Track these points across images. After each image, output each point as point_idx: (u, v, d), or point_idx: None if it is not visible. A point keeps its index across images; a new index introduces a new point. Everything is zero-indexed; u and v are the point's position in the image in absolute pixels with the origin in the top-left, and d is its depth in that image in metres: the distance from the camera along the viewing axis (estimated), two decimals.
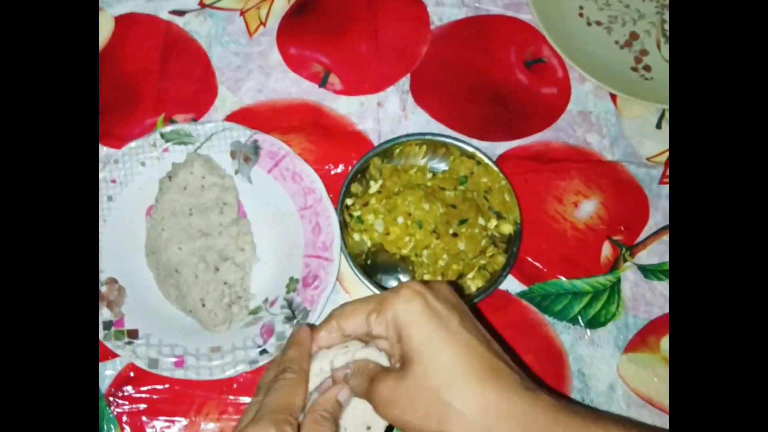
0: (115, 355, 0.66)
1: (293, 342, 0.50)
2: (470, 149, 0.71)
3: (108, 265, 0.67)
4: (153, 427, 0.65)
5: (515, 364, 0.46)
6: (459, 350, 0.44)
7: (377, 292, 0.66)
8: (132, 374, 0.66)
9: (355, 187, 0.71)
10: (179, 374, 0.64)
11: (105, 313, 0.65)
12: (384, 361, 0.48)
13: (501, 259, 0.69)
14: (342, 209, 0.69)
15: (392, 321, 0.46)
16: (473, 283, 0.69)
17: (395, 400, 0.44)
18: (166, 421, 0.66)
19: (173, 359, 0.64)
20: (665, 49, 0.83)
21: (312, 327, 0.51)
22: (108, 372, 0.66)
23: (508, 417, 0.42)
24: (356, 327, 0.48)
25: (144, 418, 0.65)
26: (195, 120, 0.75)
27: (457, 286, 0.66)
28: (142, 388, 0.66)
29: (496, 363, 0.44)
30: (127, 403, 0.65)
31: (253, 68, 0.78)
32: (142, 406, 0.66)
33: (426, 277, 0.68)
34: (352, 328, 0.48)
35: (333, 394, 0.47)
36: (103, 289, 0.66)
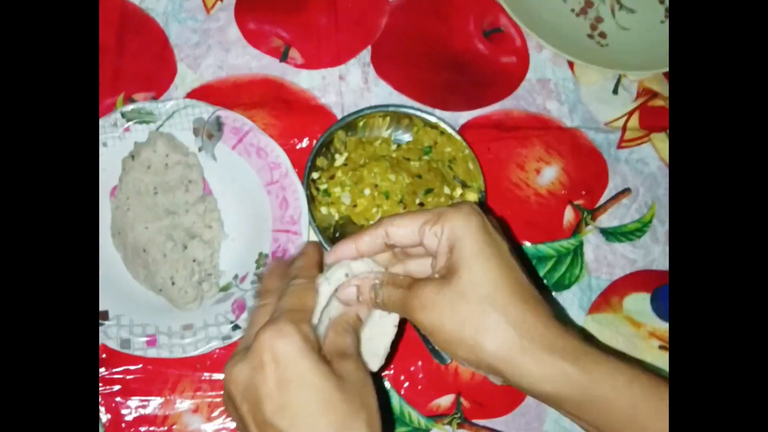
0: None
1: (301, 253, 0.52)
2: (433, 119, 0.72)
3: None
4: (128, 407, 0.65)
5: None
6: (506, 271, 0.45)
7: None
8: (104, 356, 0.66)
9: (321, 161, 0.71)
10: (152, 353, 0.64)
11: None
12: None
13: None
14: (308, 183, 0.70)
15: (448, 231, 0.46)
16: None
17: (435, 304, 0.45)
18: (141, 400, 0.66)
19: (145, 338, 0.64)
20: (619, 15, 0.85)
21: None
22: None
23: (541, 338, 0.43)
24: (405, 235, 0.48)
25: (118, 399, 0.65)
26: (155, 98, 0.74)
27: None
28: (115, 370, 0.66)
29: (534, 292, 0.46)
30: (101, 384, 0.65)
31: (212, 44, 0.77)
32: (116, 387, 0.66)
33: None
34: (400, 236, 0.49)
35: (354, 310, 0.49)
36: None
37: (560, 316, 0.47)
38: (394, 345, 0.51)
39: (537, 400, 0.46)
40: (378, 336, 0.51)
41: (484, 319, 0.44)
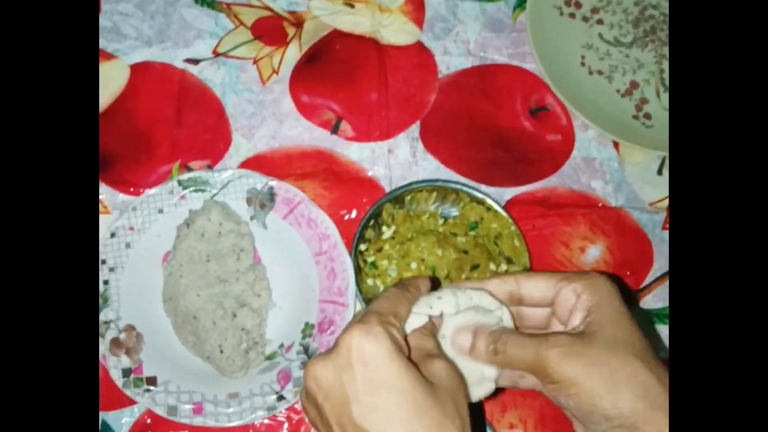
0: (131, 403, 0.67)
1: (412, 277, 0.52)
2: (480, 195, 0.73)
3: (126, 312, 0.68)
4: None
5: None
6: (638, 335, 0.45)
7: None
8: (149, 421, 0.67)
9: (369, 233, 0.72)
10: (198, 421, 0.64)
11: (124, 360, 0.65)
12: (503, 315, 0.49)
13: None
14: (356, 255, 0.71)
15: (590, 291, 0.46)
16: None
17: (581, 354, 0.44)
18: None
19: (191, 406, 0.65)
20: (664, 97, 0.86)
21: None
22: (125, 419, 0.67)
23: (656, 399, 0.42)
24: (539, 289, 0.49)
25: None
26: (210, 167, 0.76)
27: None
28: None
29: (653, 353, 0.45)
30: None
31: (267, 115, 0.80)
32: None
33: None
34: (533, 288, 0.49)
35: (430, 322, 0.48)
36: (121, 336, 0.66)
37: None
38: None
39: None
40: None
41: (630, 370, 0.43)
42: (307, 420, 0.48)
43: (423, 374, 0.42)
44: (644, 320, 0.55)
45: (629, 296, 0.49)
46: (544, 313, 0.51)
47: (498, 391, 0.50)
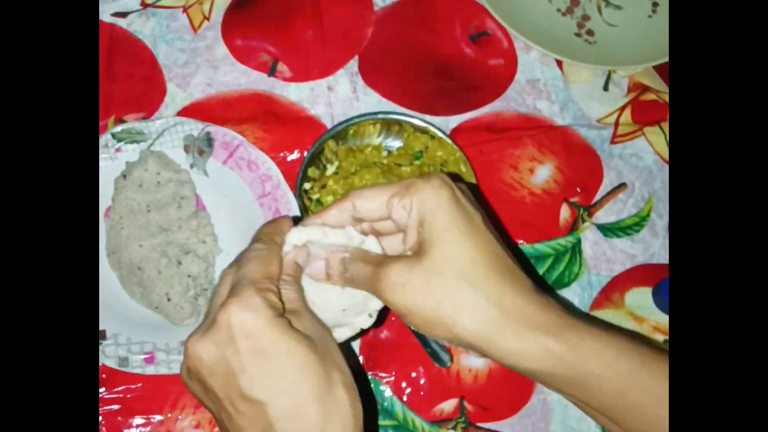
0: None
1: (270, 221, 0.50)
2: (423, 124, 0.72)
3: None
4: (129, 425, 0.65)
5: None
6: (481, 244, 0.43)
7: None
8: (104, 376, 0.66)
9: (312, 171, 0.71)
10: (150, 370, 0.63)
11: None
12: (365, 243, 0.48)
13: None
14: (300, 194, 0.70)
15: (417, 205, 0.44)
16: None
17: (407, 283, 0.42)
18: (143, 418, 0.66)
19: (143, 356, 0.64)
20: (606, 12, 0.85)
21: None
22: None
23: (521, 313, 0.42)
24: (374, 209, 0.46)
25: (119, 418, 0.65)
26: (146, 119, 0.74)
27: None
28: (115, 389, 0.66)
29: (512, 264, 0.44)
30: (100, 405, 0.65)
31: (201, 63, 0.78)
32: (116, 406, 0.65)
33: None
34: (368, 209, 0.46)
35: (291, 258, 0.47)
36: None
37: (542, 286, 0.45)
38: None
39: (524, 376, 0.44)
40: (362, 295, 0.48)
41: (460, 296, 0.42)
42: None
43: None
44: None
45: (467, 198, 0.45)
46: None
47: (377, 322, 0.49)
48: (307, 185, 0.71)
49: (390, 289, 0.43)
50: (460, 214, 0.43)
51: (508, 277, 0.43)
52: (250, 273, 0.44)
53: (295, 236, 0.48)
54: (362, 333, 0.49)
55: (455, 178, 0.46)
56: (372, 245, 0.48)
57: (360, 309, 0.48)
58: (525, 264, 0.47)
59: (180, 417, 0.66)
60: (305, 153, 0.72)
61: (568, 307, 0.44)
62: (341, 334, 0.48)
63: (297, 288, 0.47)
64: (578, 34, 0.84)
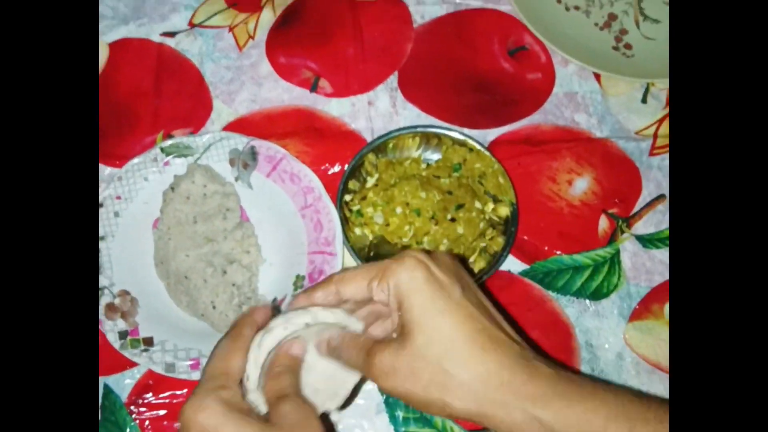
0: (132, 365, 0.68)
1: (244, 313, 0.51)
2: (461, 137, 0.73)
3: (119, 278, 0.69)
4: (176, 430, 0.67)
5: (517, 335, 0.47)
6: (460, 320, 0.44)
7: None
8: (151, 382, 0.68)
9: (353, 184, 0.73)
10: (196, 376, 0.65)
11: (120, 324, 0.67)
12: (354, 325, 0.49)
13: (500, 240, 0.71)
14: (341, 205, 0.71)
15: (394, 288, 0.45)
16: (476, 266, 0.70)
17: (395, 370, 0.44)
18: None
19: (189, 362, 0.66)
20: (644, 26, 0.85)
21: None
22: (127, 381, 0.68)
23: (508, 386, 0.42)
24: (356, 292, 0.48)
25: (165, 423, 0.67)
26: (193, 134, 0.77)
27: (459, 258, 0.68)
28: (162, 395, 0.68)
29: (496, 334, 0.45)
30: (147, 410, 0.67)
31: (246, 80, 0.80)
32: (163, 411, 0.67)
33: None
34: (351, 292, 0.48)
35: (285, 350, 0.48)
36: (116, 301, 0.68)
37: (530, 349, 0.46)
38: (357, 386, 0.51)
39: None
40: (341, 374, 0.50)
41: (447, 379, 0.43)
42: None
43: (272, 416, 0.44)
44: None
45: (444, 273, 0.46)
46: None
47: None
48: (347, 197, 0.72)
49: (383, 378, 0.45)
50: (435, 293, 0.44)
51: (492, 350, 0.43)
52: (210, 370, 0.46)
53: (285, 328, 0.48)
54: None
55: (430, 253, 0.47)
56: (340, 317, 0.49)
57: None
58: (513, 326, 0.48)
59: None
60: (346, 166, 0.74)
61: (556, 368, 0.45)
62: (332, 404, 0.50)
63: (289, 376, 0.47)
64: (616, 48, 0.84)
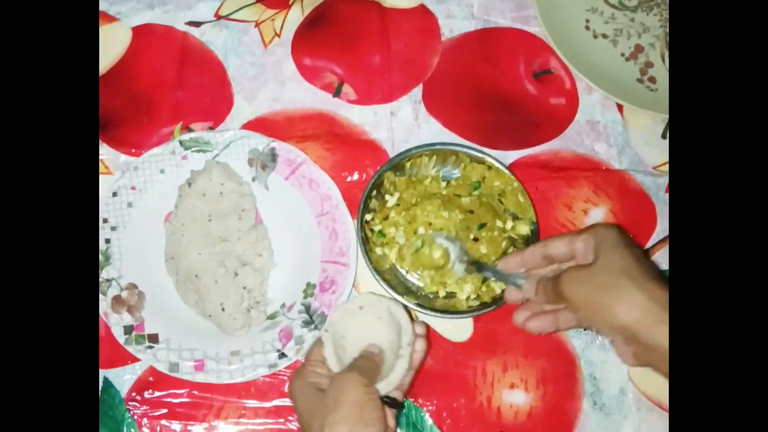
0: (134, 360, 0.67)
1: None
2: (479, 155, 0.72)
3: (128, 271, 0.68)
4: (173, 430, 0.66)
5: None
6: (640, 257, 0.55)
7: (402, 302, 0.67)
8: (151, 378, 0.67)
9: (373, 203, 0.72)
10: (199, 378, 0.64)
11: (126, 318, 0.66)
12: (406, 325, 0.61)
13: None
14: (362, 225, 0.70)
15: (594, 236, 0.58)
16: (497, 285, 0.70)
17: (580, 278, 0.56)
18: (186, 425, 0.66)
19: (193, 363, 0.65)
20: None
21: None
22: (127, 377, 0.67)
23: (655, 315, 0.51)
24: (559, 248, 0.61)
25: (164, 422, 0.66)
26: (212, 129, 0.76)
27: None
28: (162, 393, 0.67)
29: (660, 270, 0.59)
30: (147, 407, 0.66)
31: (269, 78, 0.79)
32: (162, 410, 0.66)
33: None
34: (555, 248, 0.61)
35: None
36: (123, 294, 0.67)
37: None
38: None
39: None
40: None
41: (624, 289, 0.52)
42: None
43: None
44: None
45: (629, 238, 0.58)
46: None
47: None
48: (368, 216, 0.71)
49: (567, 284, 0.57)
50: (623, 240, 0.57)
51: (660, 278, 0.53)
52: (308, 354, 0.61)
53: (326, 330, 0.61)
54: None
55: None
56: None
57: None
58: None
59: (222, 425, 0.66)
60: (365, 176, 0.73)
61: None
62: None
63: (323, 366, 0.59)
64: (640, 80, 0.84)
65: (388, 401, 0.58)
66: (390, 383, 0.58)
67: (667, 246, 0.76)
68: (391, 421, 0.58)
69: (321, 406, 0.54)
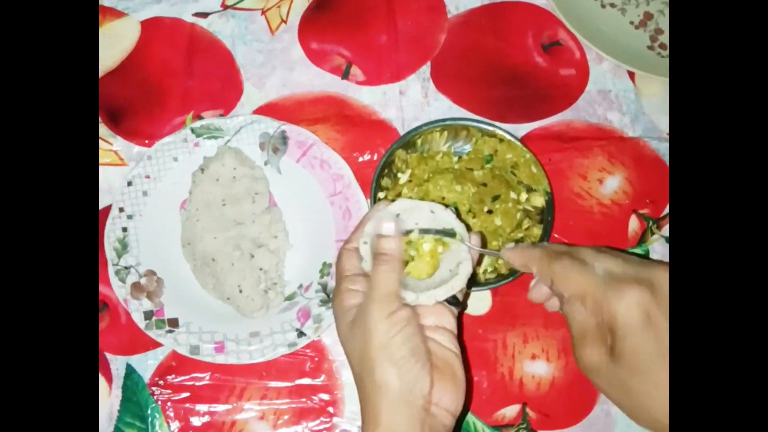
0: (156, 345, 0.68)
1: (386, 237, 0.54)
2: (490, 128, 0.72)
3: (146, 258, 0.69)
4: (197, 413, 0.67)
5: None
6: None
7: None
8: (174, 363, 0.68)
9: (385, 182, 0.72)
10: (220, 359, 0.65)
11: (145, 304, 0.67)
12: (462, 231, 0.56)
13: (537, 230, 0.70)
14: (375, 203, 0.70)
15: (609, 318, 0.47)
16: None
17: (601, 372, 0.48)
18: (209, 407, 0.67)
19: (214, 345, 0.65)
20: None
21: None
22: (150, 362, 0.68)
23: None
24: (569, 289, 0.51)
25: (187, 405, 0.67)
26: (223, 116, 0.76)
27: None
28: (184, 377, 0.67)
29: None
30: (170, 391, 0.67)
31: (277, 64, 0.80)
32: (185, 394, 0.67)
33: None
34: (566, 287, 0.51)
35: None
36: (142, 280, 0.67)
37: None
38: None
39: None
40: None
41: (652, 391, 0.46)
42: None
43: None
44: None
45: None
46: None
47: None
48: (380, 194, 0.71)
49: (587, 370, 0.50)
50: (652, 335, 0.46)
51: None
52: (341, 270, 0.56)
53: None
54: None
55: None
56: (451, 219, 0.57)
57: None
58: None
59: (246, 407, 0.67)
60: (375, 156, 0.73)
61: None
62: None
63: (363, 280, 0.54)
64: (651, 47, 0.83)
65: (450, 300, 0.55)
66: (453, 288, 0.54)
67: None
68: (451, 320, 0.55)
69: (354, 346, 0.51)
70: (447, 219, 0.56)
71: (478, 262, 0.59)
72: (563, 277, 0.51)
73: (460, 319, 0.68)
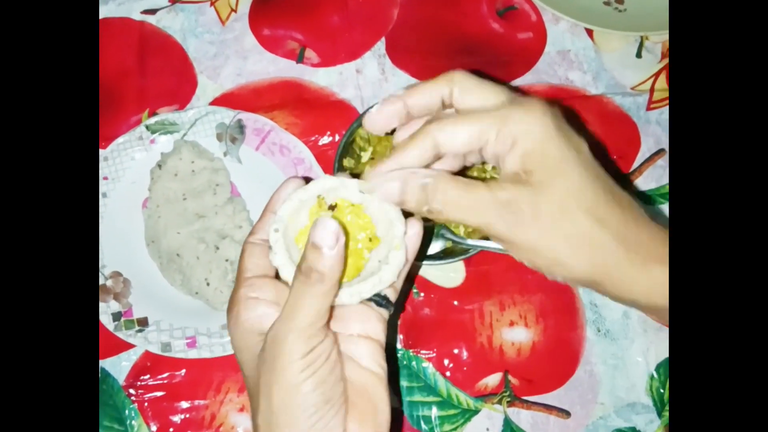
0: (128, 347, 0.67)
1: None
2: None
3: (110, 260, 0.68)
4: (175, 410, 0.66)
5: None
6: (597, 176, 0.41)
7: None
8: (148, 363, 0.67)
9: (347, 161, 0.71)
10: (193, 354, 0.64)
11: (113, 305, 0.66)
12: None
13: None
14: None
15: (522, 138, 0.40)
16: None
17: (514, 204, 0.40)
18: (188, 403, 0.66)
19: (185, 341, 0.65)
20: None
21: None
22: (124, 364, 0.67)
23: (647, 249, 0.40)
24: (463, 143, 0.41)
25: (165, 404, 0.66)
26: (178, 111, 0.75)
27: None
28: (160, 376, 0.66)
29: (620, 192, 0.42)
30: (145, 391, 0.66)
31: (230, 54, 0.79)
32: (161, 393, 0.66)
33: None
34: (457, 144, 0.42)
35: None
36: (108, 282, 0.66)
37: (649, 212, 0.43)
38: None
39: (638, 310, 0.44)
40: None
41: (582, 231, 0.39)
42: None
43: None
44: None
45: (577, 124, 0.44)
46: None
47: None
48: None
49: (505, 226, 0.40)
50: (569, 145, 0.40)
51: (629, 211, 0.41)
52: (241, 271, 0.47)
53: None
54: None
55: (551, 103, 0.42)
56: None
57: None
58: None
59: (224, 400, 0.66)
60: (336, 137, 0.72)
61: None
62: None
63: (269, 285, 0.45)
64: (607, 3, 0.82)
65: (378, 300, 0.46)
66: (383, 282, 0.43)
67: (655, 164, 0.74)
68: (378, 327, 0.45)
69: (259, 388, 0.41)
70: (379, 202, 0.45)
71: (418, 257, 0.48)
72: (453, 131, 0.42)
73: (395, 319, 0.66)
